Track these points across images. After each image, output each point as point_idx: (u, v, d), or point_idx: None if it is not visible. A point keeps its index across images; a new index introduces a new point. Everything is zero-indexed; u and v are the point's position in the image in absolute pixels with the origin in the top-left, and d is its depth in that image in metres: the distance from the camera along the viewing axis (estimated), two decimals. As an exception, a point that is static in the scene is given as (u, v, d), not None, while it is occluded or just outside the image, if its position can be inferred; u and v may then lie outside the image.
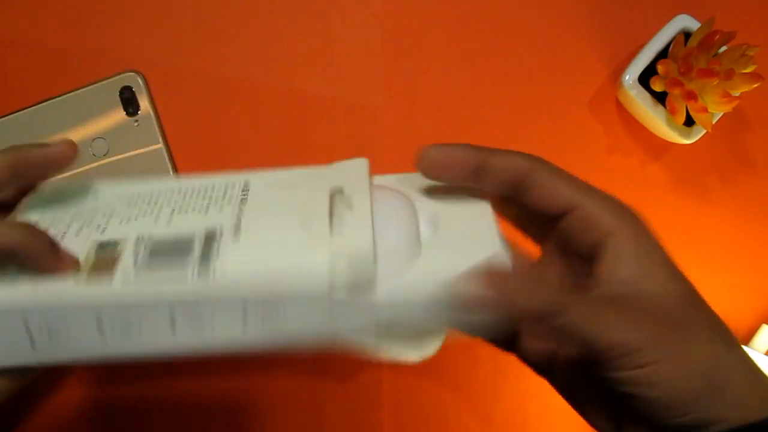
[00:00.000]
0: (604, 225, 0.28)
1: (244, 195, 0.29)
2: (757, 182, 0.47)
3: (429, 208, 0.29)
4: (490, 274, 0.25)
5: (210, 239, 0.27)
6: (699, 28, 0.42)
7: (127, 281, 0.26)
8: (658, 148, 0.47)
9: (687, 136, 0.44)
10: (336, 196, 0.28)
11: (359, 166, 0.30)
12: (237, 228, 0.27)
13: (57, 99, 0.45)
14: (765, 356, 0.45)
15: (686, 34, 0.43)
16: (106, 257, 0.27)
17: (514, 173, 0.29)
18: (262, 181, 0.30)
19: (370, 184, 0.29)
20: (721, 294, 0.47)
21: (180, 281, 0.26)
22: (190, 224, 0.28)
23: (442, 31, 0.47)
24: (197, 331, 0.27)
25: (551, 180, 0.29)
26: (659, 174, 0.47)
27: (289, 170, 0.31)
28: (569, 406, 0.34)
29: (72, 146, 0.31)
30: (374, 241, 0.27)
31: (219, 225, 0.27)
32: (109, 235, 0.28)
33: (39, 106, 0.45)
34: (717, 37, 0.41)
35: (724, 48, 0.43)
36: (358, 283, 0.26)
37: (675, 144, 0.45)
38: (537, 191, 0.29)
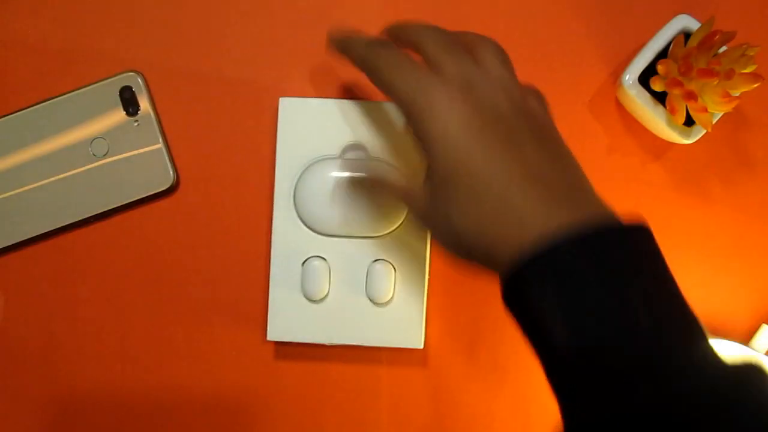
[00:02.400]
0: None
1: None
2: (757, 182, 0.47)
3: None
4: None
5: None
6: (699, 28, 0.42)
7: None
8: (658, 148, 0.47)
9: (687, 136, 0.44)
10: None
11: None
12: None
13: (57, 99, 0.45)
14: (765, 356, 0.45)
15: (686, 34, 0.43)
16: None
17: None
18: None
19: None
20: (721, 294, 0.47)
21: None
22: None
23: (442, 31, 0.47)
24: None
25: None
26: (659, 174, 0.47)
27: None
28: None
29: None
30: None
31: None
32: None
33: (39, 106, 0.45)
34: (717, 37, 0.41)
35: (724, 48, 0.43)
36: None
37: (675, 144, 0.45)
38: None
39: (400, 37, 0.37)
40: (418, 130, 0.33)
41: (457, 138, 0.32)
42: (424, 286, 0.44)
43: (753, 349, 0.45)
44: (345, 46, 0.38)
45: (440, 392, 0.47)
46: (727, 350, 0.44)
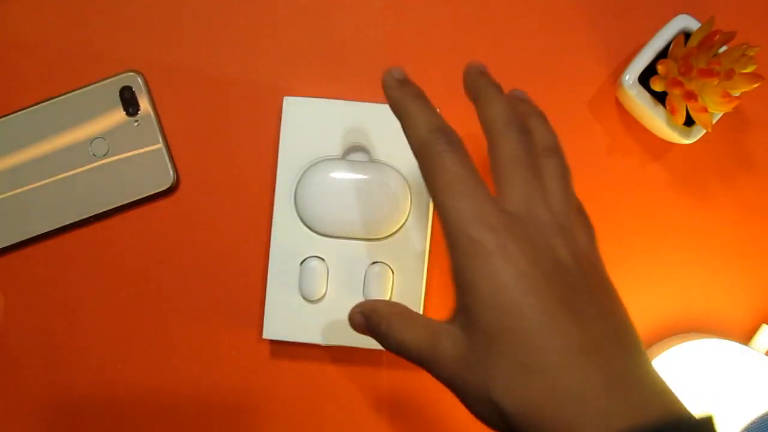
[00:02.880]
0: None
1: None
2: (757, 182, 0.47)
3: None
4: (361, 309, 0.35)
5: None
6: (699, 28, 0.42)
7: None
8: (658, 148, 0.47)
9: (687, 136, 0.44)
10: None
11: None
12: None
13: (57, 99, 0.45)
14: (765, 356, 0.45)
15: (686, 34, 0.43)
16: None
17: None
18: None
19: None
20: (721, 294, 0.47)
21: None
22: None
23: (442, 32, 0.47)
24: None
25: None
26: (659, 174, 0.47)
27: None
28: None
29: None
30: None
31: None
32: None
33: (39, 106, 0.45)
34: (717, 37, 0.41)
35: (724, 48, 0.43)
36: None
37: (675, 144, 0.45)
38: None
39: (474, 96, 0.34)
40: (461, 267, 0.29)
41: (508, 289, 0.27)
42: (421, 291, 0.44)
43: (753, 349, 0.45)
44: (406, 111, 0.33)
45: (439, 394, 0.47)
46: (727, 350, 0.44)
